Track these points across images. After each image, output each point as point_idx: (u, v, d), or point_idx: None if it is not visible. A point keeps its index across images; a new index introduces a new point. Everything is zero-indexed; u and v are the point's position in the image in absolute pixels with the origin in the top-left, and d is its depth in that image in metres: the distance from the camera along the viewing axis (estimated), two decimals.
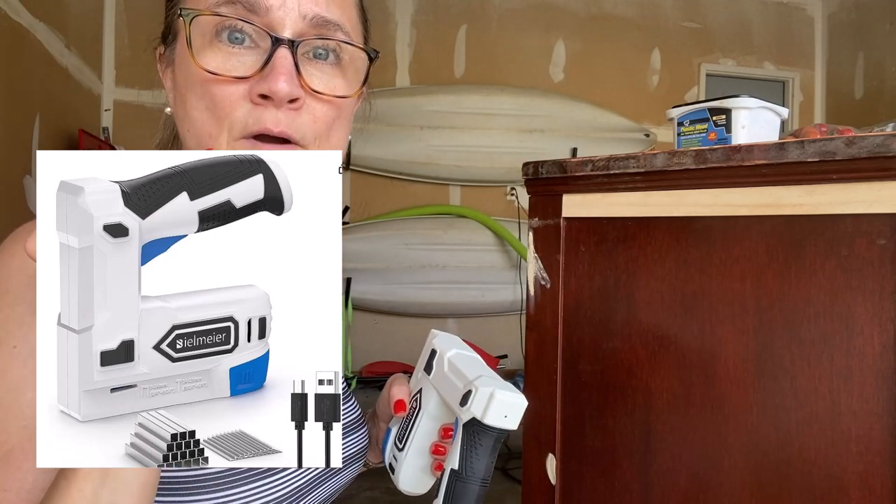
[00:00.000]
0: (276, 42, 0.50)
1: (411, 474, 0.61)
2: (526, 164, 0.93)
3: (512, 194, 3.90)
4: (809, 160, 0.61)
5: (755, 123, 0.77)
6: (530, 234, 0.90)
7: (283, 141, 0.52)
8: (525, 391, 0.98)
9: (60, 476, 0.40)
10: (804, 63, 4.41)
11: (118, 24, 3.45)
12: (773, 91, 4.32)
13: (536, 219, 0.89)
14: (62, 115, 2.81)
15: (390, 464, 0.64)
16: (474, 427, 0.53)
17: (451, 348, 0.61)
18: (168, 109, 0.58)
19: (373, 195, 3.85)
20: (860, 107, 4.03)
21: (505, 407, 0.52)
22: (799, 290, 0.64)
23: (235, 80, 0.51)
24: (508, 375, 3.57)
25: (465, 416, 0.53)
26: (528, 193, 0.93)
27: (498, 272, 3.78)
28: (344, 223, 3.77)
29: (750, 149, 0.66)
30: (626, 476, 0.79)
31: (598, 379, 0.84)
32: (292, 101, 0.51)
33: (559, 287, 0.86)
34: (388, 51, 3.79)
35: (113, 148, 3.07)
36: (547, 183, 0.90)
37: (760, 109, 0.77)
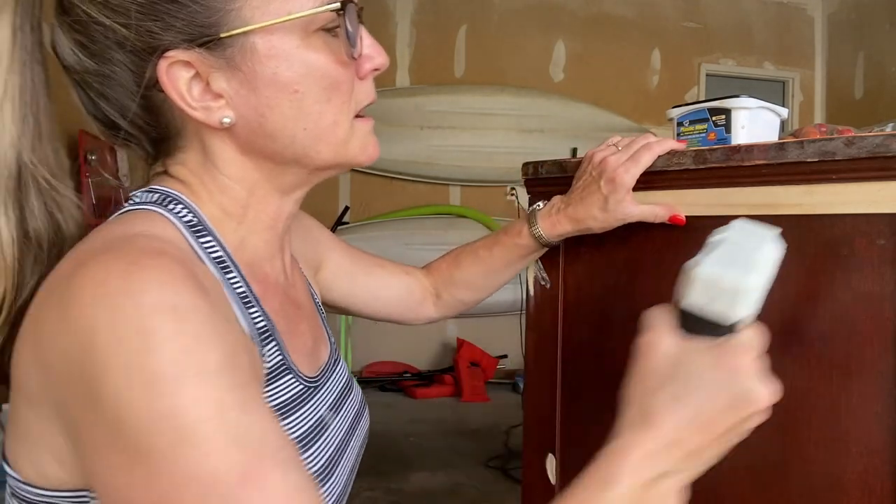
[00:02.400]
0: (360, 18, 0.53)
1: None
2: (526, 164, 0.93)
3: (512, 194, 3.89)
4: (809, 160, 0.61)
5: (755, 123, 0.77)
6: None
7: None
8: (525, 391, 0.98)
9: None
10: (804, 63, 4.41)
11: None
12: (773, 91, 4.33)
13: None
14: (62, 115, 2.80)
15: None
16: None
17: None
18: (226, 119, 0.51)
19: (373, 195, 3.86)
20: (860, 107, 4.03)
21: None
22: (798, 290, 0.64)
23: (353, 61, 0.53)
24: (508, 375, 3.58)
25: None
26: (528, 193, 0.93)
27: (498, 272, 3.78)
28: (344, 223, 3.77)
29: (750, 149, 0.66)
30: None
31: (598, 378, 0.84)
32: None
33: (559, 287, 0.86)
34: (389, 51, 3.78)
35: (113, 148, 3.06)
36: (547, 183, 0.90)
37: (760, 109, 0.77)
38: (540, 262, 0.89)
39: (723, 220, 0.71)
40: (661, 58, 4.22)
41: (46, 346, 0.42)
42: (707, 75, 4.27)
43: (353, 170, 3.69)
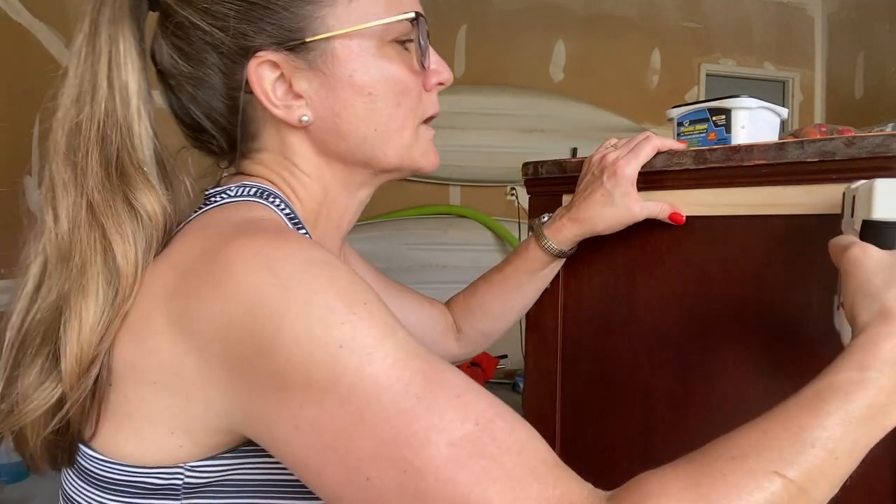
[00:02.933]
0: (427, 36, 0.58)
1: None
2: (526, 164, 0.93)
3: (512, 194, 3.90)
4: (809, 160, 0.61)
5: (755, 123, 0.77)
6: (530, 234, 0.90)
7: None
8: (525, 391, 0.98)
9: None
10: (804, 63, 4.41)
11: None
12: (773, 91, 4.32)
13: (536, 220, 0.89)
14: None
15: None
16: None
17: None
18: (305, 117, 0.56)
19: (373, 195, 3.86)
20: (860, 107, 4.03)
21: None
22: (799, 290, 0.64)
23: (423, 71, 0.59)
24: (508, 375, 3.58)
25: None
26: (528, 193, 0.93)
27: None
28: None
29: (750, 149, 0.66)
30: (626, 476, 0.79)
31: (598, 379, 0.84)
32: None
33: (559, 287, 0.86)
34: None
35: None
36: (547, 183, 0.90)
37: (760, 109, 0.77)
38: None
39: (723, 221, 0.71)
40: (661, 58, 4.22)
41: (207, 324, 0.43)
42: (707, 75, 4.27)
43: None
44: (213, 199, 0.56)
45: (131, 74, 0.53)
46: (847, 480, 0.43)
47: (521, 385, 3.43)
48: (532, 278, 0.82)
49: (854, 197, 0.52)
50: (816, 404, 0.43)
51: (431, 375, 0.42)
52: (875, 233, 0.49)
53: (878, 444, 0.54)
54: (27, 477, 2.05)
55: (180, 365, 0.45)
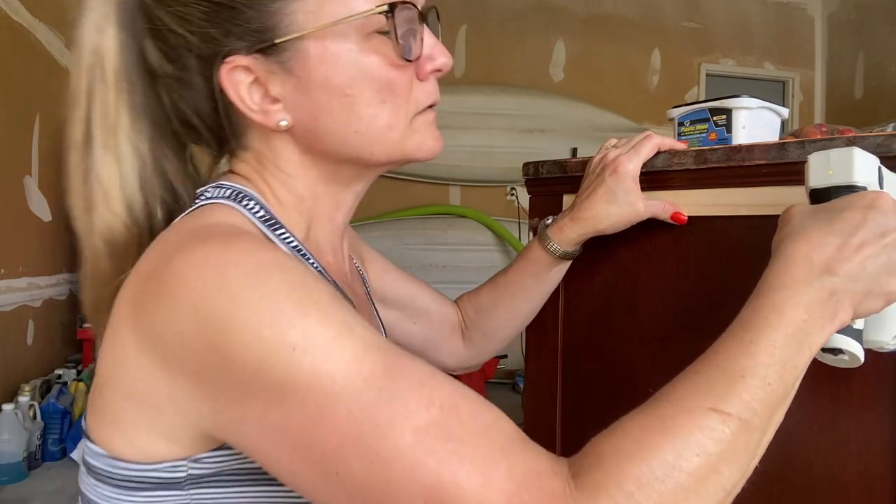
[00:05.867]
0: (422, 18, 0.54)
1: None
2: (526, 164, 0.93)
3: (512, 194, 3.90)
4: None
5: (755, 123, 0.77)
6: (530, 234, 0.90)
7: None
8: (525, 391, 0.98)
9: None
10: (804, 63, 4.41)
11: None
12: (773, 91, 4.33)
13: (536, 219, 0.89)
14: (62, 115, 2.80)
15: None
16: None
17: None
18: (283, 122, 0.53)
19: (373, 195, 3.83)
20: (860, 107, 4.03)
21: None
22: None
23: (408, 63, 0.53)
24: (508, 375, 3.58)
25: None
26: (528, 193, 0.93)
27: None
28: None
29: (750, 149, 0.66)
30: None
31: (598, 379, 0.84)
32: None
33: (559, 287, 0.86)
34: None
35: None
36: (547, 183, 0.90)
37: (761, 109, 0.77)
38: None
39: (724, 221, 0.71)
40: (661, 58, 4.22)
41: (163, 337, 0.43)
42: (707, 75, 4.27)
43: None
44: (201, 197, 0.56)
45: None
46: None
47: (521, 385, 3.43)
48: (536, 282, 0.81)
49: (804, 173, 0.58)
50: (741, 335, 0.46)
51: (391, 366, 0.42)
52: (813, 201, 0.54)
53: (878, 444, 0.54)
54: (27, 477, 2.05)
55: (150, 377, 0.45)
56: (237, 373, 0.41)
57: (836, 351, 0.50)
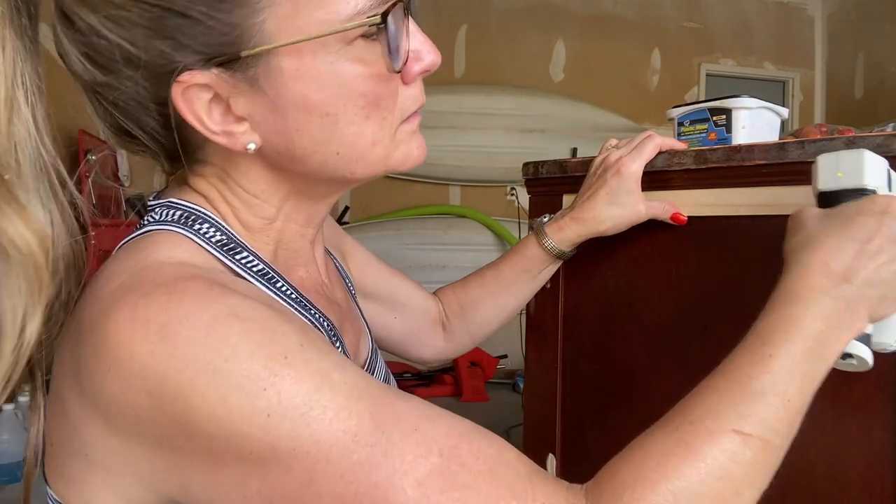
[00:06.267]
0: (406, 10, 0.46)
1: None
2: (526, 164, 0.93)
3: (512, 194, 3.89)
4: (810, 160, 0.61)
5: (755, 123, 0.77)
6: (530, 232, 0.90)
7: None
8: (525, 391, 0.98)
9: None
10: (804, 63, 4.41)
11: None
12: (773, 91, 4.32)
13: (536, 219, 0.89)
14: (62, 115, 2.80)
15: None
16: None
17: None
18: (251, 145, 0.46)
19: (373, 195, 3.85)
20: (860, 107, 4.03)
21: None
22: None
23: (389, 73, 0.46)
24: (508, 375, 3.58)
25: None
26: (528, 193, 0.93)
27: None
28: (344, 223, 3.77)
29: (750, 149, 0.66)
30: None
31: (598, 379, 0.84)
32: None
33: (559, 287, 0.86)
34: None
35: (112, 149, 3.05)
36: (547, 183, 0.90)
37: (761, 109, 0.77)
38: None
39: (724, 221, 0.71)
40: (661, 58, 4.22)
41: (112, 406, 0.39)
42: (707, 75, 4.27)
43: None
44: (149, 216, 0.50)
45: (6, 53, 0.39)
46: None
47: (521, 385, 3.42)
48: (526, 279, 0.80)
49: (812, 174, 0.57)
50: (759, 349, 0.44)
51: (381, 415, 0.38)
52: (822, 203, 0.54)
53: (878, 444, 0.54)
54: None
55: (103, 442, 0.40)
56: (205, 442, 0.37)
57: (845, 356, 0.50)
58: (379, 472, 0.37)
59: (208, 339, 0.37)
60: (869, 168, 0.51)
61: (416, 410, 0.40)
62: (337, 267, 0.71)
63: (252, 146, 0.46)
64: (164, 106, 0.45)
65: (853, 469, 0.59)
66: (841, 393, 0.59)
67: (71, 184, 0.44)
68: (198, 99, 0.44)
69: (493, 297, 0.81)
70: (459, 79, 3.95)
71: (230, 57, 0.43)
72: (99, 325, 0.39)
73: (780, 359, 0.43)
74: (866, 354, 0.50)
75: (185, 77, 0.43)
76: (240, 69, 0.43)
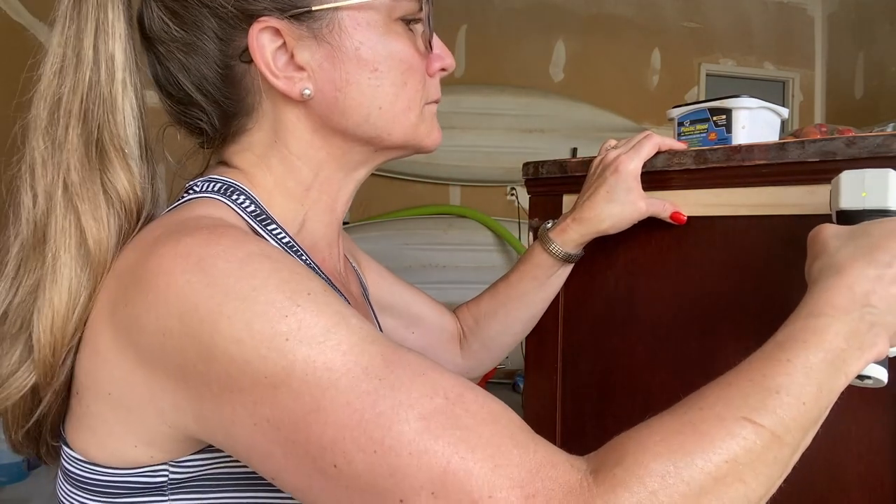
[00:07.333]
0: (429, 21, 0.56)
1: None
2: (526, 164, 0.93)
3: (512, 194, 3.89)
4: (810, 160, 0.61)
5: (755, 123, 0.77)
6: (530, 234, 0.90)
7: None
8: (525, 391, 0.98)
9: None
10: (804, 63, 4.41)
11: None
12: (773, 91, 4.32)
13: (536, 219, 0.89)
14: None
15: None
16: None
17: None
18: (307, 91, 0.52)
19: (373, 195, 3.86)
20: (860, 107, 4.03)
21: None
22: (799, 291, 0.64)
23: (424, 54, 0.56)
24: (508, 375, 3.58)
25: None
26: (528, 193, 0.93)
27: (498, 272, 3.75)
28: (344, 223, 3.77)
29: (750, 149, 0.66)
30: None
31: (598, 379, 0.84)
32: None
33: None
34: None
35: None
36: (547, 183, 0.90)
37: (761, 109, 0.77)
38: None
39: (724, 221, 0.71)
40: (661, 58, 4.22)
41: (143, 333, 0.42)
42: (707, 75, 4.27)
43: None
44: (190, 191, 0.54)
45: (118, 44, 0.50)
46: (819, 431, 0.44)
47: (521, 385, 3.43)
48: (537, 287, 0.80)
49: (831, 189, 0.56)
50: (777, 354, 0.44)
51: (391, 357, 0.40)
52: (841, 220, 0.53)
53: (878, 444, 0.54)
54: (27, 477, 2.05)
55: (130, 377, 0.43)
56: (225, 366, 0.39)
57: (862, 377, 0.49)
58: (385, 402, 0.38)
59: (241, 271, 0.41)
60: (893, 189, 0.51)
61: (427, 361, 0.42)
62: (353, 268, 0.73)
63: (307, 92, 0.52)
64: (231, 58, 0.52)
65: (853, 469, 0.59)
66: (841, 393, 0.59)
67: (153, 158, 0.53)
68: (267, 45, 0.51)
69: (505, 308, 0.82)
70: (459, 79, 3.95)
71: (303, 10, 0.51)
72: (144, 260, 0.43)
73: (798, 364, 0.43)
74: (882, 375, 0.50)
75: (264, 19, 0.50)
76: (307, 21, 0.51)
